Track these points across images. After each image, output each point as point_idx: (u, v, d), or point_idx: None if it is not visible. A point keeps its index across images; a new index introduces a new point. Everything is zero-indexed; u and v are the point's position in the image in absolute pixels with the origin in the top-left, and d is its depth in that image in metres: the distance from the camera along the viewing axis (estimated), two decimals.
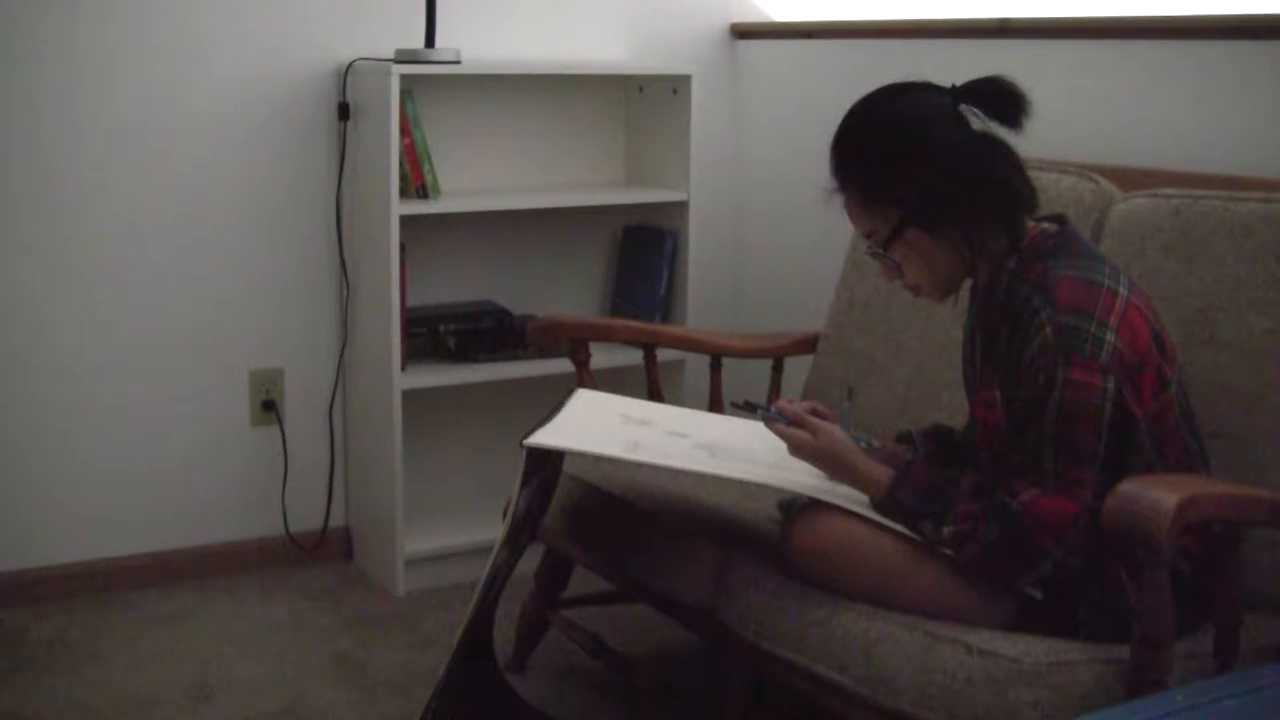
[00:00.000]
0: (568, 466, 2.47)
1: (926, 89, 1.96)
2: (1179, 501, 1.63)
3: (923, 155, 1.91)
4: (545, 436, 2.10)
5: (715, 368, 2.77)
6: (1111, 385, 1.81)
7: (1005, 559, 1.83)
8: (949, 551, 1.88)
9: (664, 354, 2.92)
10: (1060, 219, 1.98)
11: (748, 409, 2.12)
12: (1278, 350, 2.05)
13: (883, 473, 1.96)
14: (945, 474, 1.95)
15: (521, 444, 2.07)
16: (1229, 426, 2.07)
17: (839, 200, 2.00)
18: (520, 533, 2.28)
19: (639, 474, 2.43)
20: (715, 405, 2.72)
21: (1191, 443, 1.93)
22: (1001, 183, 1.92)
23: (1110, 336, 1.82)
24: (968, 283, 2.05)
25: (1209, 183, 2.29)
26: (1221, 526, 1.78)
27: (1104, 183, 2.40)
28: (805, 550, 1.96)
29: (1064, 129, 2.73)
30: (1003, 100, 1.92)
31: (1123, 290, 1.87)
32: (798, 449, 2.02)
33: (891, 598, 1.89)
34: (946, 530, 1.87)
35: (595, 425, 2.22)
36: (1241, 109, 2.43)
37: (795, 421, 2.02)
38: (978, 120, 1.93)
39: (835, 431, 2.02)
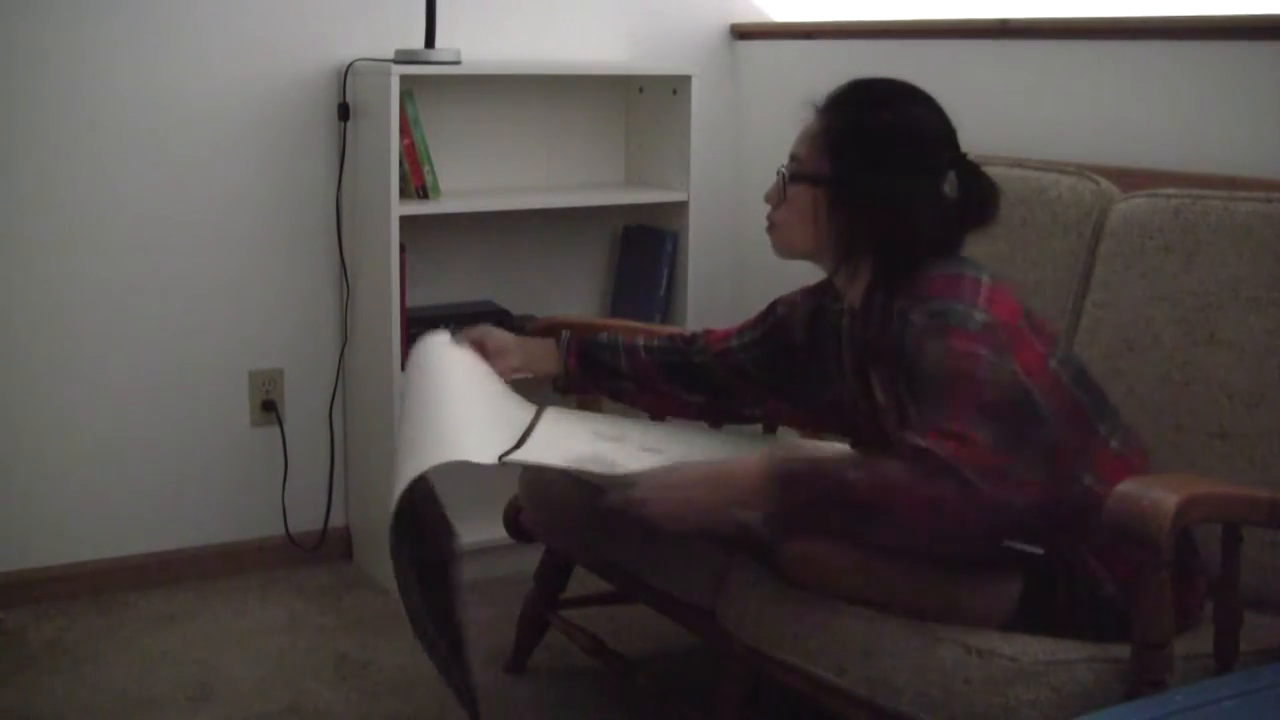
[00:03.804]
0: None
1: (950, 137, 1.98)
2: (1179, 501, 1.63)
3: (897, 168, 1.93)
4: (520, 455, 2.09)
5: None
6: (988, 352, 1.80)
7: (908, 488, 1.76)
8: (855, 474, 1.79)
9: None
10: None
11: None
12: (1278, 350, 2.05)
13: (748, 463, 1.87)
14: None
15: (500, 460, 2.05)
16: (1229, 426, 2.07)
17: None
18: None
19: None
20: None
21: (1108, 439, 1.91)
22: (912, 244, 1.93)
23: (978, 313, 1.83)
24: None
25: (1209, 183, 2.29)
26: (1213, 526, 1.78)
27: (1104, 183, 2.40)
28: (796, 555, 1.94)
29: (1064, 129, 2.73)
30: (981, 203, 1.97)
31: (985, 277, 1.89)
32: (642, 507, 1.91)
33: (886, 601, 1.88)
34: (857, 461, 1.82)
35: (566, 442, 2.19)
36: (1241, 109, 2.43)
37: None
38: (950, 187, 1.95)
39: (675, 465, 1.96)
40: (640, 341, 2.37)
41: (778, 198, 2.03)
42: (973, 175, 1.98)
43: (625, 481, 1.95)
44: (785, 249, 2.06)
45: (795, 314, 2.25)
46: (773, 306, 2.30)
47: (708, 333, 2.37)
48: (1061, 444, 1.85)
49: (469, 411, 2.18)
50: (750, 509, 1.89)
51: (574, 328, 2.71)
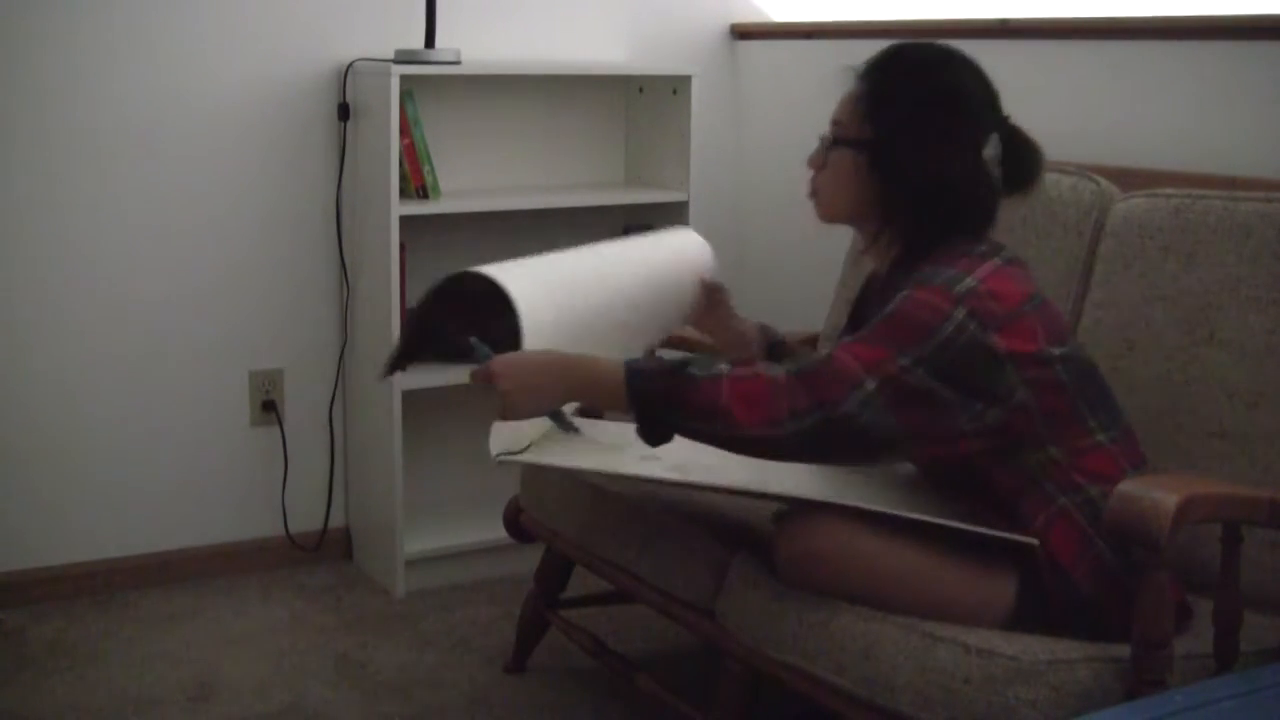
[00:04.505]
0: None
1: (992, 101, 1.98)
2: (1179, 501, 1.64)
3: (937, 132, 1.93)
4: (517, 458, 2.07)
5: None
6: (962, 315, 1.81)
7: (797, 391, 1.79)
8: (723, 390, 1.81)
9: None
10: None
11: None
12: (1278, 350, 2.05)
13: (612, 360, 1.90)
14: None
15: (496, 459, 2.04)
16: (1229, 426, 2.07)
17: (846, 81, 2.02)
18: None
19: None
20: None
21: (1096, 433, 1.91)
22: (950, 211, 1.94)
23: (969, 280, 1.84)
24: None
25: (1209, 183, 2.29)
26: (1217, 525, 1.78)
27: (1104, 183, 2.40)
28: (794, 556, 1.94)
29: (1064, 129, 2.73)
30: (1023, 167, 1.97)
31: (997, 260, 1.89)
32: (496, 382, 1.91)
33: (885, 599, 1.88)
34: (721, 368, 1.83)
35: (569, 448, 2.18)
36: (1241, 109, 2.43)
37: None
38: (991, 152, 1.95)
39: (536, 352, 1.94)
40: None
41: (819, 162, 2.04)
42: (1015, 139, 1.98)
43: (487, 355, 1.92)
44: (827, 214, 2.07)
45: (856, 300, 2.25)
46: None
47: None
48: (1029, 409, 1.85)
49: (578, 308, 2.10)
50: (600, 403, 1.91)
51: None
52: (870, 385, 1.78)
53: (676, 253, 2.33)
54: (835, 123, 2.02)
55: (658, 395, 1.85)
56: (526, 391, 1.91)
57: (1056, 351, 1.87)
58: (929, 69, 1.98)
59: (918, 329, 1.81)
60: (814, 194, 2.07)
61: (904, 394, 1.79)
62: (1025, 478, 1.88)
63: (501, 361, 1.91)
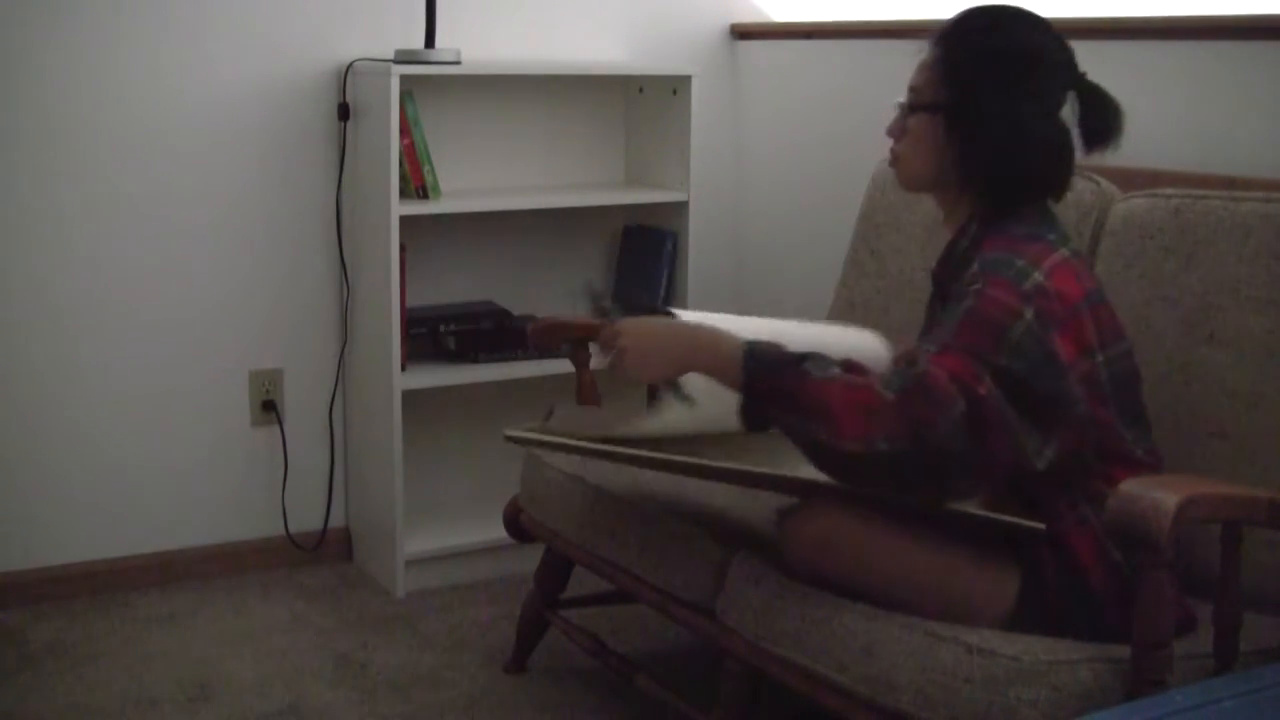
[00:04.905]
0: (565, 467, 2.47)
1: (1067, 59, 1.98)
2: (1179, 501, 1.64)
3: (1013, 90, 1.93)
4: (527, 435, 2.07)
5: None
6: (1030, 315, 1.80)
7: (897, 415, 1.76)
8: (834, 388, 1.79)
9: None
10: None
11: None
12: (1278, 350, 2.05)
13: (735, 337, 1.89)
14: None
15: (505, 437, 2.05)
16: (1229, 426, 2.07)
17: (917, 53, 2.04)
18: None
19: (641, 474, 2.42)
20: None
21: (1132, 447, 1.91)
22: (1028, 171, 1.94)
23: (1037, 275, 1.83)
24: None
25: (1209, 183, 2.29)
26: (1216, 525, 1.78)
27: (1104, 183, 2.40)
28: (801, 542, 1.95)
29: None
30: (1102, 123, 1.97)
31: (1064, 251, 1.89)
32: (618, 339, 1.94)
33: (890, 588, 1.89)
34: (835, 371, 1.82)
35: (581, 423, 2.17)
36: (1241, 109, 2.43)
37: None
38: (1070, 109, 1.96)
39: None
40: None
41: (899, 131, 2.04)
42: (1092, 95, 1.98)
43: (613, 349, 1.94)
44: (909, 181, 2.07)
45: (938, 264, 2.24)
46: None
47: None
48: (1085, 424, 1.84)
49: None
50: (713, 376, 1.90)
51: (574, 328, 2.71)
52: (960, 408, 1.75)
53: (851, 339, 2.27)
54: (912, 89, 2.03)
55: (770, 382, 1.84)
56: (647, 354, 1.93)
57: (1099, 357, 1.87)
58: (1000, 28, 1.99)
59: (992, 332, 1.79)
60: (894, 162, 2.06)
61: (987, 420, 1.75)
62: (1058, 479, 1.87)
63: (628, 322, 1.94)
